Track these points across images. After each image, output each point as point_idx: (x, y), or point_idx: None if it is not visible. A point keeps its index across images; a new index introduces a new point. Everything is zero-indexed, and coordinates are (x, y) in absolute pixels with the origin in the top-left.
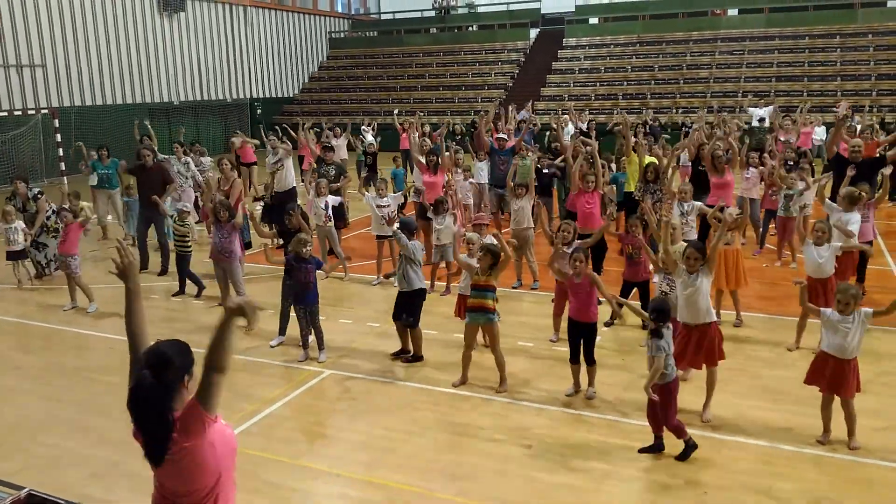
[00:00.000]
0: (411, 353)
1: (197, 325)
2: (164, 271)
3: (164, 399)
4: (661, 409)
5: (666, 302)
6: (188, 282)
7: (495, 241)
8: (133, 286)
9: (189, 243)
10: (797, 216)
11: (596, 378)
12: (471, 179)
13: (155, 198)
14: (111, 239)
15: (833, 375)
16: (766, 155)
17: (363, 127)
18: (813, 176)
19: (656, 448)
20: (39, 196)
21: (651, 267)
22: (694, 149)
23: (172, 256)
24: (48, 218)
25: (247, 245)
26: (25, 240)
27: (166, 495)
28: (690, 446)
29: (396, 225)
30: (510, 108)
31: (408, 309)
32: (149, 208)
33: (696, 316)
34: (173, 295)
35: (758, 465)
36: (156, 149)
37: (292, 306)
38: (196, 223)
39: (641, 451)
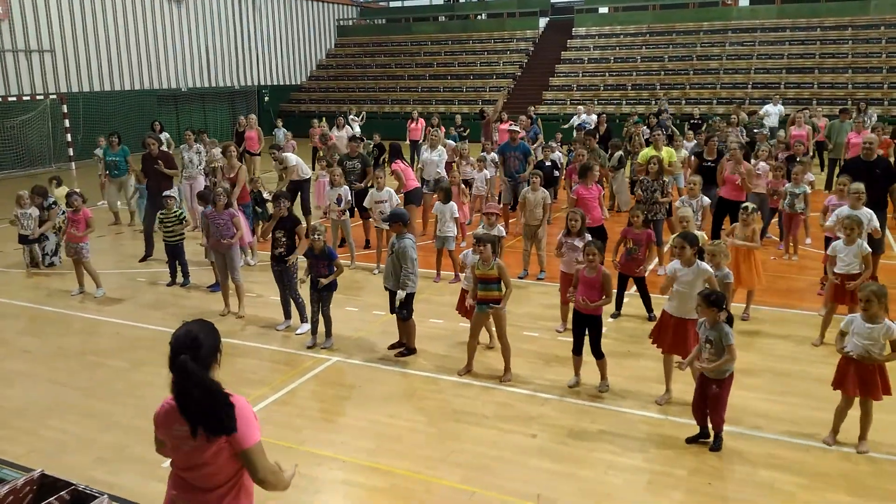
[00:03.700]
0: (404, 347)
1: (190, 311)
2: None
3: (207, 376)
4: (720, 401)
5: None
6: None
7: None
8: None
9: (178, 231)
10: (802, 212)
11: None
12: (485, 171)
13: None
14: (122, 224)
15: (860, 377)
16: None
17: (351, 116)
18: (822, 170)
19: (703, 436)
20: (53, 206)
21: (656, 260)
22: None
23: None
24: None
25: (252, 232)
26: (34, 231)
27: (197, 485)
28: (721, 438)
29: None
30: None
31: (401, 303)
32: (155, 196)
33: (682, 311)
34: (167, 284)
35: (762, 458)
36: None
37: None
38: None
39: (690, 440)
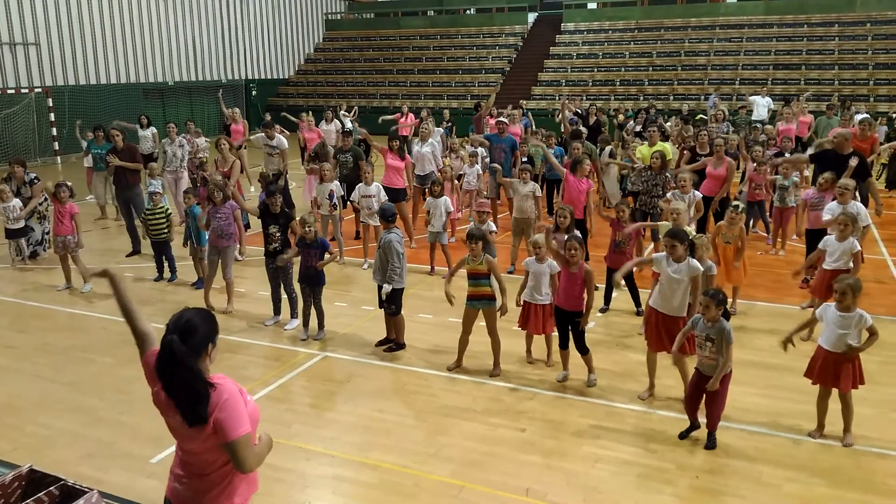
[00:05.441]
0: (393, 342)
1: (178, 306)
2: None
3: (193, 360)
4: (719, 398)
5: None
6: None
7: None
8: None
9: (163, 227)
10: (794, 206)
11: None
12: (477, 166)
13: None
14: (108, 219)
15: (832, 368)
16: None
17: (342, 112)
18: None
19: (694, 428)
20: (36, 181)
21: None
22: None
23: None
24: (40, 203)
25: (246, 227)
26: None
27: (193, 472)
28: (715, 436)
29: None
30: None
31: (389, 298)
32: (123, 190)
33: (666, 307)
34: (155, 280)
35: (750, 452)
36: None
37: (298, 285)
38: (197, 205)
39: (682, 435)
